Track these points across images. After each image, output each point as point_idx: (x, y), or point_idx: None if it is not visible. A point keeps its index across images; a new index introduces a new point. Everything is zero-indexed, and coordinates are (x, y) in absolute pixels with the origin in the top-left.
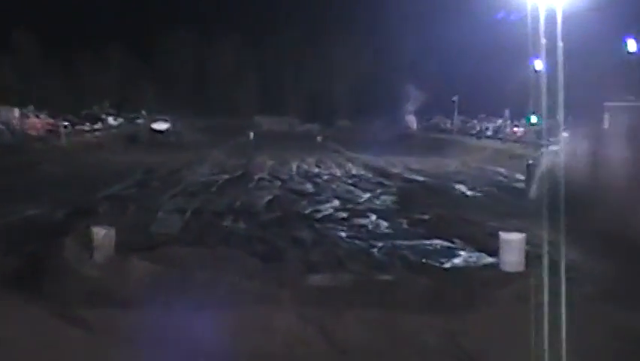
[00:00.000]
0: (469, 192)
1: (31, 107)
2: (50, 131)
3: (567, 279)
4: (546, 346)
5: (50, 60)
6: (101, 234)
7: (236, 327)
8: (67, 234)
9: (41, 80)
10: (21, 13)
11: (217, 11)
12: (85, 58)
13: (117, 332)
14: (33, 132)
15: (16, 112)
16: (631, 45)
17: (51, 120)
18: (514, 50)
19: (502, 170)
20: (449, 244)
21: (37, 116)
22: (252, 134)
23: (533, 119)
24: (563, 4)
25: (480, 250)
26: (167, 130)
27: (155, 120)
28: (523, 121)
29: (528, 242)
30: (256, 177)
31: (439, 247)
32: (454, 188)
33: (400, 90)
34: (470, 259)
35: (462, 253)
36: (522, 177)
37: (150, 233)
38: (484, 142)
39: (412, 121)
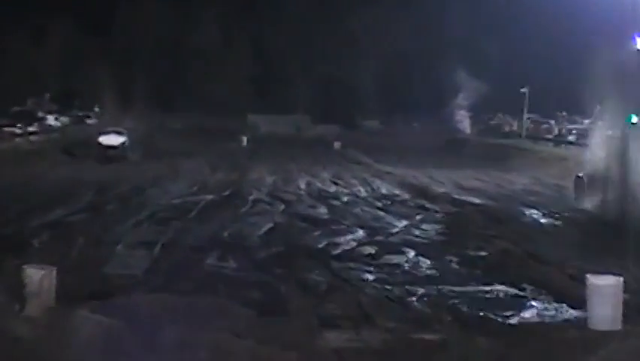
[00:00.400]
0: (543, 220)
1: None
2: None
3: None
4: None
5: None
6: (37, 276)
7: None
8: None
9: None
10: None
11: None
12: (16, 33)
13: None
14: None
15: None
16: None
17: None
18: (608, 25)
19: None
20: (517, 292)
21: None
22: (245, 139)
23: (634, 119)
24: None
25: (560, 301)
26: (122, 145)
27: (105, 132)
28: (627, 121)
29: (626, 289)
30: (251, 197)
31: (502, 295)
32: (523, 214)
33: (448, 80)
34: (546, 313)
35: (535, 304)
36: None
37: (105, 275)
38: (565, 150)
39: (464, 122)
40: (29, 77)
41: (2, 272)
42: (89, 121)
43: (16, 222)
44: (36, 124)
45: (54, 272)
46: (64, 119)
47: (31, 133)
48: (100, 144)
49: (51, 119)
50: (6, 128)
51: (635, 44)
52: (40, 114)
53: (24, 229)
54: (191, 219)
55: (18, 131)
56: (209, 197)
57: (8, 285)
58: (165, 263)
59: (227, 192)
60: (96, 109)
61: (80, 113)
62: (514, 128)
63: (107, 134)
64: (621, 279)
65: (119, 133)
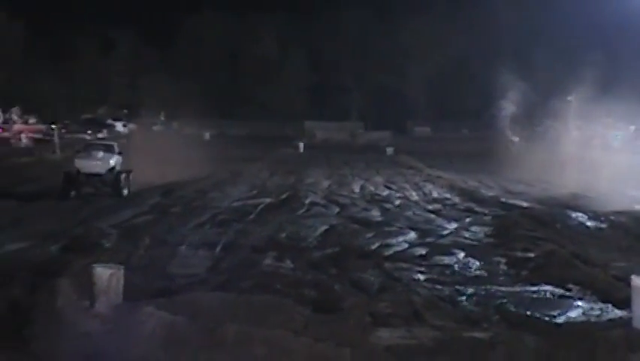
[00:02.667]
0: (589, 223)
1: (17, 110)
2: (40, 140)
3: None
4: None
5: (41, 51)
6: (106, 275)
7: None
8: (60, 275)
9: (30, 75)
10: None
11: None
12: (86, 48)
13: None
14: (18, 142)
15: None
16: None
17: (42, 127)
18: None
19: (636, 193)
20: (563, 292)
21: (25, 122)
22: (301, 145)
23: None
24: None
25: (605, 301)
26: (110, 172)
27: (87, 148)
28: None
29: None
30: (307, 200)
31: (548, 295)
32: (569, 217)
33: (496, 87)
34: (592, 313)
35: (580, 303)
36: None
37: (169, 274)
38: (612, 156)
39: (511, 128)
40: (99, 87)
41: (73, 271)
42: (154, 128)
43: (85, 224)
44: (105, 130)
45: (122, 271)
46: (132, 126)
47: (100, 139)
48: (77, 171)
49: (119, 126)
50: (77, 135)
51: None
52: (108, 121)
53: (94, 230)
54: (250, 221)
55: (88, 137)
56: (268, 200)
57: (79, 283)
58: (226, 263)
59: (284, 196)
60: (161, 117)
61: (147, 121)
62: (561, 134)
63: (88, 153)
64: None
65: (107, 149)
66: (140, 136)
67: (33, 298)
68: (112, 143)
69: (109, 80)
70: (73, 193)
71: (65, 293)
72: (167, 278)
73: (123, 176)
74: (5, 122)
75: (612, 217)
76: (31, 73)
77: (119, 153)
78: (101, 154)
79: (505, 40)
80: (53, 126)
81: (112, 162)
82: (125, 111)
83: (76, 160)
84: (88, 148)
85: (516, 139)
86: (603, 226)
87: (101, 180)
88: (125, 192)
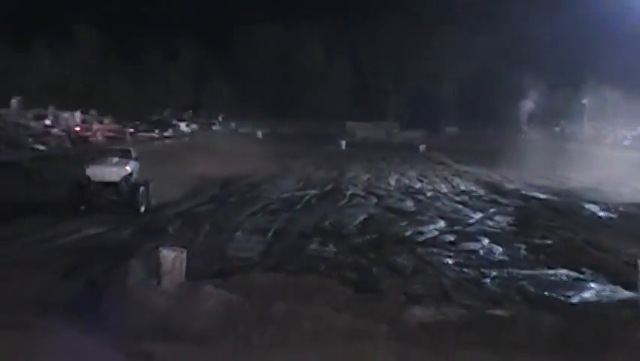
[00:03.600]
0: (601, 213)
1: (94, 112)
2: (114, 138)
3: None
4: None
5: (114, 58)
6: (171, 257)
7: None
8: (132, 256)
9: (105, 80)
10: (82, 7)
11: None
12: (153, 56)
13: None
14: (96, 139)
15: (78, 117)
16: None
17: (115, 126)
18: None
19: None
20: (577, 275)
21: (101, 122)
22: (343, 143)
23: None
24: None
25: (615, 283)
26: (125, 179)
27: (102, 155)
28: None
29: None
30: (348, 192)
31: (564, 277)
32: (583, 208)
33: (519, 91)
34: (603, 293)
35: (593, 285)
36: None
37: (226, 257)
38: (622, 153)
39: (532, 128)
40: (165, 91)
41: (143, 253)
42: (214, 127)
43: (153, 212)
44: (170, 130)
45: (184, 254)
46: (194, 126)
47: (166, 137)
48: (89, 180)
49: (183, 126)
50: (145, 134)
51: None
52: (173, 122)
53: (160, 217)
54: (297, 210)
55: (156, 135)
56: (313, 192)
57: (148, 264)
58: (276, 247)
59: (328, 188)
60: (220, 118)
61: (207, 121)
62: (577, 133)
63: (102, 159)
64: None
65: (123, 155)
66: (200, 135)
67: (108, 277)
68: (128, 148)
69: (173, 84)
70: (82, 207)
71: (136, 273)
72: (224, 261)
73: (142, 189)
74: (84, 121)
75: (622, 208)
76: (106, 79)
77: (136, 159)
78: (115, 160)
79: (527, 49)
80: (132, 130)
81: (128, 169)
82: (189, 112)
83: (87, 168)
84: (101, 154)
85: (536, 137)
86: (614, 216)
87: (116, 190)
88: (143, 208)
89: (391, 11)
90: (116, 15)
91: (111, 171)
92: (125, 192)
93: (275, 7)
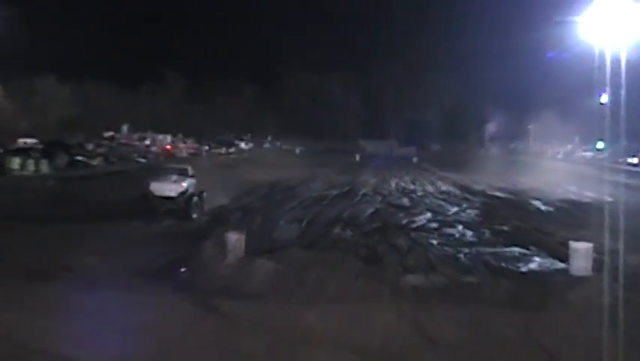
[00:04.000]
0: (543, 207)
1: (180, 135)
2: (194, 154)
3: (630, 283)
4: (610, 338)
5: (194, 95)
6: (234, 239)
7: (342, 320)
8: (206, 238)
9: (187, 111)
10: (171, 56)
11: (328, 53)
12: (222, 93)
13: (245, 319)
14: (181, 154)
15: (168, 138)
16: None
17: (195, 145)
18: (581, 87)
19: (572, 188)
20: (525, 251)
21: (184, 142)
22: (357, 156)
23: (600, 144)
24: (627, 47)
25: (552, 257)
26: (182, 195)
27: (159, 177)
28: (591, 146)
29: (595, 250)
30: (360, 192)
31: (516, 253)
32: (530, 203)
33: (483, 118)
34: (544, 265)
35: (536, 259)
36: (590, 195)
37: (273, 239)
38: (557, 164)
39: (493, 145)
40: (229, 119)
41: (214, 236)
42: (264, 145)
43: (221, 206)
44: (233, 147)
45: (244, 236)
46: (250, 145)
47: (230, 153)
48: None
49: (242, 144)
50: (216, 150)
51: (599, 99)
52: (236, 141)
53: (223, 211)
54: (324, 205)
55: (223, 151)
56: (335, 192)
57: (217, 243)
58: (309, 232)
59: (346, 189)
60: (269, 138)
61: (260, 140)
62: (525, 149)
63: (163, 177)
64: (591, 245)
65: (182, 173)
66: (255, 151)
67: (188, 253)
68: (186, 167)
69: (236, 114)
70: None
71: (208, 250)
72: (272, 241)
73: (195, 199)
74: (173, 142)
75: (557, 203)
76: (188, 111)
77: (192, 176)
78: (174, 178)
79: (489, 87)
80: (206, 147)
81: (184, 185)
82: (248, 134)
83: (151, 184)
84: (163, 173)
85: (496, 152)
86: (552, 209)
87: (174, 202)
88: (195, 215)
89: (391, 61)
90: (195, 65)
91: (170, 188)
92: (181, 203)
93: (309, 59)
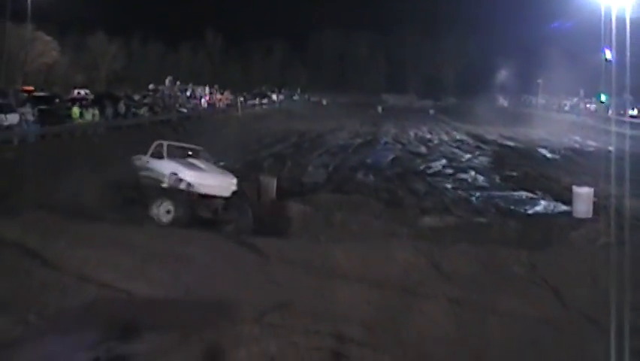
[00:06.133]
0: (549, 155)
1: (216, 87)
2: (229, 105)
3: (627, 225)
4: (610, 274)
5: (230, 52)
6: (266, 182)
7: (365, 256)
8: (242, 182)
9: (225, 67)
10: (210, 16)
11: (352, 14)
12: (256, 51)
13: (277, 255)
14: (219, 105)
15: (207, 90)
16: None
17: (231, 97)
18: (587, 43)
19: (577, 138)
20: (532, 195)
21: (222, 94)
22: (380, 108)
23: (603, 97)
24: (631, 6)
25: (557, 200)
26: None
27: (183, 155)
28: (595, 99)
29: (596, 195)
30: (382, 141)
31: (524, 197)
32: (537, 151)
33: (496, 74)
34: (549, 208)
35: (542, 202)
36: (593, 144)
37: (302, 182)
38: (563, 116)
39: (505, 98)
40: (263, 74)
41: (248, 179)
42: (294, 98)
43: (255, 153)
44: (266, 99)
45: (275, 180)
46: (281, 97)
47: (263, 104)
48: (178, 187)
49: (274, 97)
50: (250, 102)
51: (604, 55)
52: (268, 93)
53: (257, 157)
54: (349, 152)
55: (256, 102)
56: (359, 140)
57: (252, 188)
58: (335, 176)
59: (369, 138)
60: (298, 91)
61: (290, 93)
62: (533, 102)
63: (187, 161)
64: (592, 189)
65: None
66: (285, 103)
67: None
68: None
69: (268, 69)
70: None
71: (244, 192)
72: (301, 185)
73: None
74: (211, 93)
75: (562, 151)
76: (226, 67)
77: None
78: (205, 164)
79: (501, 46)
80: (241, 99)
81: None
82: (279, 87)
83: (181, 170)
84: (188, 155)
85: (506, 104)
86: (557, 157)
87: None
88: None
89: (412, 25)
90: (231, 24)
91: (220, 182)
92: (233, 212)
93: (336, 19)
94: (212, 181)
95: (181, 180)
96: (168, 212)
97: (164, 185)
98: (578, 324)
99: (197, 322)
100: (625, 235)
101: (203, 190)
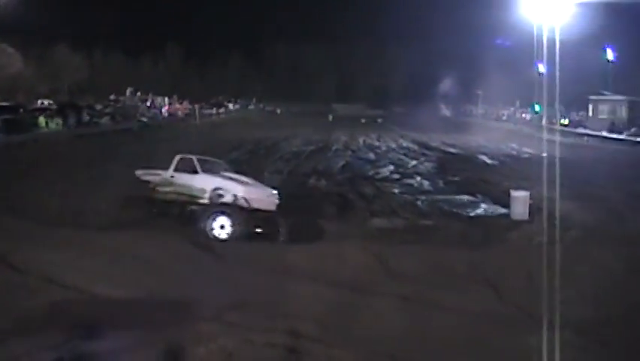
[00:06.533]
0: (489, 161)
1: (175, 97)
2: (188, 114)
3: (560, 225)
4: (544, 271)
5: (189, 64)
6: None
7: (318, 255)
8: None
9: (184, 78)
10: (170, 29)
11: (305, 27)
12: (214, 62)
13: (235, 256)
14: (177, 114)
15: (166, 100)
16: (609, 54)
17: (189, 106)
18: (523, 58)
19: (514, 145)
20: (473, 199)
21: (181, 103)
22: (331, 117)
23: (537, 107)
24: (560, 25)
25: (496, 203)
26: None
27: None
28: (530, 109)
29: (531, 197)
30: (333, 148)
31: (466, 200)
32: (478, 158)
33: (440, 85)
34: (489, 210)
35: (483, 205)
36: (529, 151)
37: None
38: (501, 124)
39: (448, 108)
40: (220, 85)
41: None
42: (249, 107)
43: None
44: (223, 108)
45: None
46: (237, 106)
47: (220, 113)
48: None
49: (230, 106)
50: (208, 111)
51: (537, 68)
52: (225, 103)
53: None
54: (302, 158)
55: (213, 112)
56: (311, 147)
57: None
58: (289, 181)
59: (321, 145)
60: (253, 100)
61: (245, 103)
62: (474, 112)
63: (231, 175)
64: (528, 193)
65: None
66: (241, 112)
67: None
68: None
69: (225, 81)
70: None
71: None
72: None
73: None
74: (170, 103)
75: (501, 158)
76: (184, 78)
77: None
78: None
79: (444, 59)
80: (199, 108)
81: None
82: (235, 97)
83: (237, 188)
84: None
85: (449, 113)
86: (496, 163)
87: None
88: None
89: (361, 38)
90: (189, 36)
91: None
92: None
93: (291, 33)
94: (261, 195)
95: (235, 195)
96: (222, 227)
97: (205, 200)
98: (515, 317)
99: (158, 321)
100: (556, 235)
101: (256, 205)
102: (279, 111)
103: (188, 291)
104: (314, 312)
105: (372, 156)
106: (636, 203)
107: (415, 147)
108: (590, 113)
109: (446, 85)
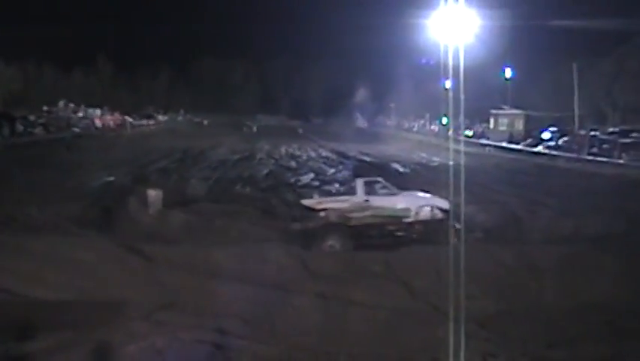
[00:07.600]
0: (401, 169)
1: (107, 109)
2: (119, 125)
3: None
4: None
5: (120, 76)
6: (153, 194)
7: (242, 257)
8: (131, 194)
9: (115, 90)
10: (101, 42)
11: (230, 43)
12: (144, 75)
13: (164, 259)
14: (108, 125)
15: (98, 112)
16: (507, 73)
17: (120, 117)
18: (432, 75)
19: (423, 154)
20: None
21: (112, 114)
22: (255, 127)
23: (444, 120)
24: (465, 46)
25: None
26: None
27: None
28: (438, 121)
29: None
30: (257, 156)
31: None
32: (391, 166)
33: (356, 98)
34: None
35: None
36: (437, 159)
37: (186, 194)
38: (412, 135)
39: (363, 119)
40: (150, 97)
41: (137, 192)
42: (178, 118)
43: (143, 168)
44: (152, 120)
45: (161, 193)
46: (166, 117)
47: (150, 124)
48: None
49: (160, 117)
50: (138, 122)
51: (444, 84)
52: (154, 114)
53: (145, 171)
54: (228, 167)
55: (144, 123)
56: (237, 156)
57: (140, 198)
58: (215, 188)
59: (246, 154)
60: (182, 112)
61: (174, 114)
62: (387, 123)
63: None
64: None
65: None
66: (170, 123)
67: (116, 206)
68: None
69: (155, 93)
70: None
71: (134, 204)
72: (184, 196)
73: None
74: (102, 115)
75: (412, 166)
76: (115, 90)
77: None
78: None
79: (359, 74)
80: (130, 120)
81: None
82: (164, 109)
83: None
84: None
85: (364, 124)
86: (408, 170)
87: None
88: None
89: (282, 53)
90: (120, 49)
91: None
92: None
93: (217, 47)
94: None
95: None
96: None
97: (410, 219)
98: (425, 312)
99: (89, 321)
100: (462, 236)
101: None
102: (206, 122)
103: (119, 293)
104: (239, 310)
105: (293, 164)
106: (531, 207)
107: (334, 156)
108: (492, 126)
109: (361, 98)
